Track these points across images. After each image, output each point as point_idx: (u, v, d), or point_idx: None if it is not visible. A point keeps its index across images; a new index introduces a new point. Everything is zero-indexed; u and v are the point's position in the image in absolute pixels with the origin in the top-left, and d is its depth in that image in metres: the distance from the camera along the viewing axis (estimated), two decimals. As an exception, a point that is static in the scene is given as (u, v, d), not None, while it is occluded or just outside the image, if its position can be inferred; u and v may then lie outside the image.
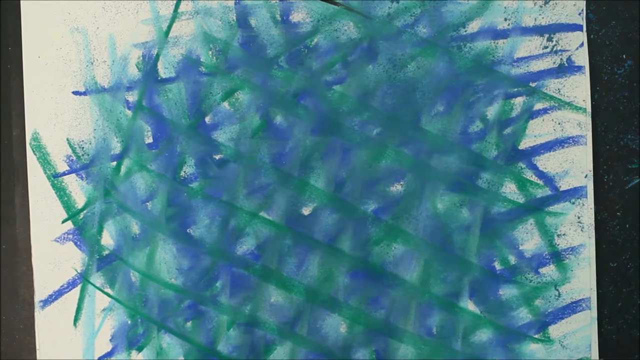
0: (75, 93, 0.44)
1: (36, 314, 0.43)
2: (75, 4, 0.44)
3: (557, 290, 0.43)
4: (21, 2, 0.44)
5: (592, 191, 0.43)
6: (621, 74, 0.44)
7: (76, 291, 0.43)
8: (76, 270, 0.43)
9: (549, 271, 0.43)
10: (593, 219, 0.43)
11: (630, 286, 0.44)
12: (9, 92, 0.45)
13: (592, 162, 0.43)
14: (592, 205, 0.43)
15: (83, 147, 0.44)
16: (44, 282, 0.44)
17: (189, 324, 0.43)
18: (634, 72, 0.44)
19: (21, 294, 0.44)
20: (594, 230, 0.43)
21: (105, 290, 0.43)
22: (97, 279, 0.43)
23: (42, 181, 0.44)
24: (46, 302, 0.43)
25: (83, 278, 0.43)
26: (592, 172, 0.43)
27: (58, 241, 0.44)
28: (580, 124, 0.43)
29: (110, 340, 0.43)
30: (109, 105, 0.44)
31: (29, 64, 0.44)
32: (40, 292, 0.43)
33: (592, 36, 0.44)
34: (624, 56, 0.44)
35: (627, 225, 0.44)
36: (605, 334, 0.43)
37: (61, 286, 0.43)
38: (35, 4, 0.44)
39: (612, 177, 0.44)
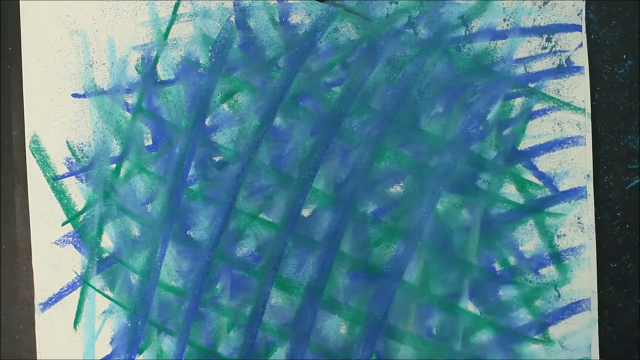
0: (75, 95, 0.44)
1: (36, 316, 0.43)
2: (74, 7, 0.44)
3: (557, 291, 0.43)
4: (20, 3, 0.44)
5: (592, 192, 0.43)
6: (621, 74, 0.44)
7: (76, 294, 0.44)
8: (76, 273, 0.44)
9: (549, 272, 0.43)
10: (593, 220, 0.43)
11: (630, 287, 0.44)
12: (9, 92, 0.45)
13: (592, 162, 0.43)
14: (593, 206, 0.43)
15: (82, 150, 0.44)
16: (44, 284, 0.44)
17: (189, 325, 0.43)
18: (634, 72, 0.44)
19: (21, 294, 0.44)
20: (594, 231, 0.43)
21: (105, 292, 0.44)
22: (97, 281, 0.44)
23: (41, 184, 0.44)
24: (46, 305, 0.43)
25: (83, 280, 0.44)
26: (592, 172, 0.43)
27: (58, 244, 0.44)
28: (579, 125, 0.43)
29: (111, 342, 0.43)
30: (108, 107, 0.44)
31: (29, 67, 0.44)
32: (41, 294, 0.44)
33: (592, 36, 0.43)
34: (624, 56, 0.44)
35: (628, 226, 0.44)
36: (605, 334, 0.43)
37: (61, 289, 0.44)
38: (34, 7, 0.44)
39: (612, 177, 0.44)
